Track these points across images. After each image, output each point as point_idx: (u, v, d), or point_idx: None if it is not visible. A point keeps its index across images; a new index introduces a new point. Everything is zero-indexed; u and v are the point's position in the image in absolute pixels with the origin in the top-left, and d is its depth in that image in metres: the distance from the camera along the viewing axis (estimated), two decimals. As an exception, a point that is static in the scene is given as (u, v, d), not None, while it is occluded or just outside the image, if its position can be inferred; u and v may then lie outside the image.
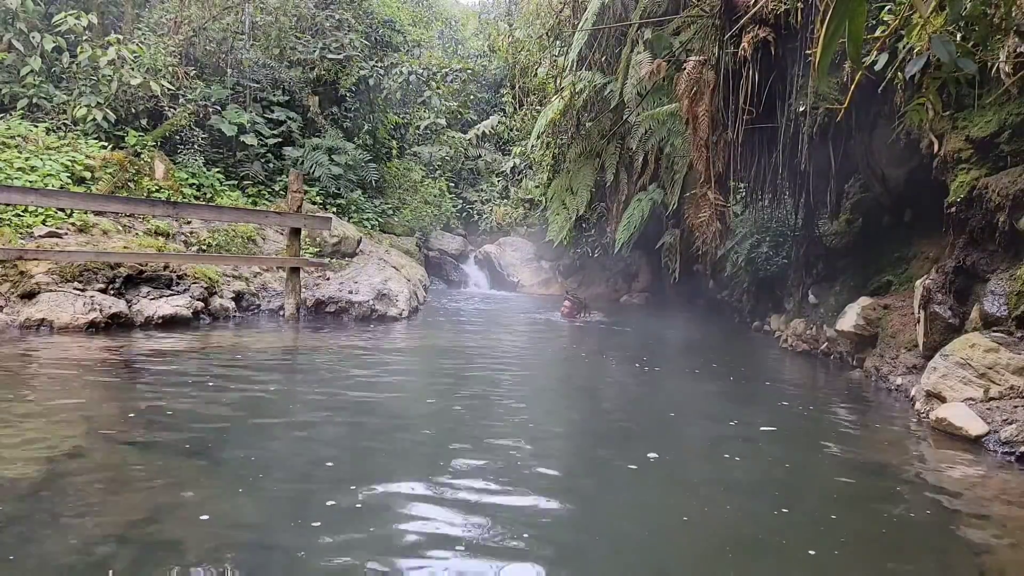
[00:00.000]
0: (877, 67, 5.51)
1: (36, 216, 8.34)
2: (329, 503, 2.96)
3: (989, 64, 5.16)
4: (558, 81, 15.31)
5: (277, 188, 13.42)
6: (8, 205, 8.04)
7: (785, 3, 7.17)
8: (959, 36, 4.81)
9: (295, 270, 9.02)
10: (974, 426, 4.51)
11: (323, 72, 15.49)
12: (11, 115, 9.87)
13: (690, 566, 2.73)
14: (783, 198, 10.38)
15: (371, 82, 15.95)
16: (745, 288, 12.25)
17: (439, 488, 3.23)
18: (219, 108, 12.97)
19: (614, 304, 16.91)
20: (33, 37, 10.37)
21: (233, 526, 2.72)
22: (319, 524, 2.71)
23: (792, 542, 2.93)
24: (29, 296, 7.12)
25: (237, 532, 2.67)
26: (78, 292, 7.30)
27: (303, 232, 9.94)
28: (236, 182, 12.83)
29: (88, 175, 9.43)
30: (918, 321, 6.29)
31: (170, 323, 7.61)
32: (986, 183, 5.58)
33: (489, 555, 2.57)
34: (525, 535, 2.75)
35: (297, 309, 8.90)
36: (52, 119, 10.27)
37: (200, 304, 8.18)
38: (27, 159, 8.89)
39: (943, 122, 6.15)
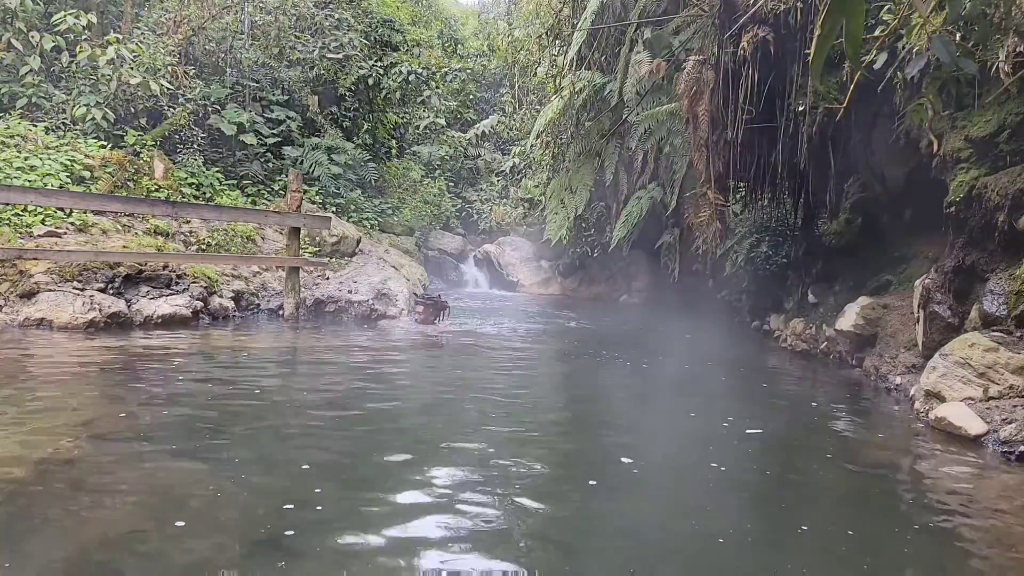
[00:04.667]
0: (876, 66, 5.51)
1: (35, 215, 8.33)
2: (308, 506, 2.94)
3: (989, 64, 5.16)
4: (557, 80, 15.30)
5: (276, 187, 13.41)
6: (7, 204, 8.03)
7: (784, 3, 7.17)
8: (959, 36, 4.82)
9: (294, 269, 9.01)
10: (973, 425, 4.51)
11: (322, 71, 15.47)
12: (10, 114, 9.85)
13: None
14: (782, 197, 10.39)
15: (370, 81, 15.94)
16: (744, 288, 12.25)
17: (421, 491, 3.22)
18: (218, 107, 12.96)
19: (613, 304, 16.92)
20: (32, 36, 10.35)
21: (212, 531, 2.70)
22: (292, 533, 2.68)
23: (792, 547, 2.93)
24: (28, 295, 7.11)
25: (217, 537, 2.65)
26: (77, 291, 7.30)
27: (302, 231, 9.93)
28: (235, 181, 12.81)
29: (87, 174, 9.42)
30: (917, 321, 6.29)
31: (169, 322, 7.60)
32: (985, 183, 5.58)
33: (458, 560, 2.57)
34: (484, 548, 2.70)
35: (296, 309, 8.89)
36: (51, 118, 10.26)
37: (199, 303, 8.18)
38: (26, 158, 8.87)
39: (942, 122, 6.15)
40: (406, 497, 3.15)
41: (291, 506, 2.92)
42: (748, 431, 4.73)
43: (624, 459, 3.87)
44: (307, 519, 2.81)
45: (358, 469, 3.58)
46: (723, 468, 3.87)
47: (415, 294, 10.34)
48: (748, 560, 2.76)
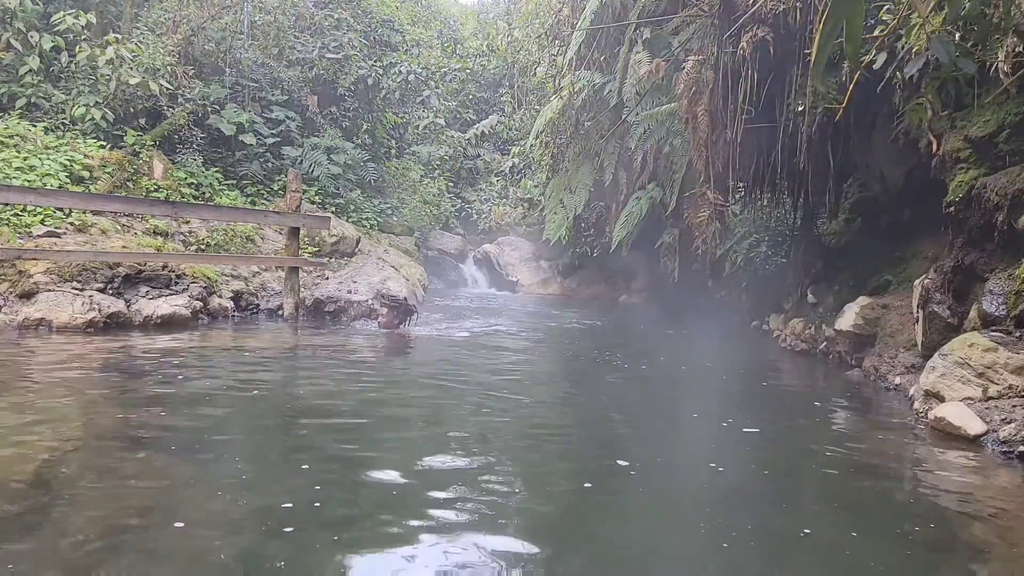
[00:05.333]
0: (876, 67, 5.52)
1: (35, 216, 8.32)
2: (307, 505, 2.94)
3: (988, 64, 5.17)
4: (557, 80, 15.31)
5: (276, 187, 13.41)
6: (6, 205, 8.02)
7: (784, 3, 7.17)
8: (958, 36, 4.82)
9: (294, 269, 9.01)
10: (973, 425, 4.51)
11: (322, 71, 15.47)
12: (9, 114, 9.85)
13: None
14: (782, 197, 10.39)
15: (370, 81, 15.93)
16: (744, 287, 12.25)
17: (416, 491, 3.20)
18: (218, 107, 12.96)
19: (613, 304, 16.92)
20: (31, 36, 10.35)
21: (211, 530, 2.69)
22: (291, 530, 2.68)
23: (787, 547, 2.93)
24: (28, 296, 7.11)
25: (216, 537, 2.64)
26: (77, 292, 7.29)
27: (302, 231, 9.93)
28: (235, 181, 12.81)
29: (87, 174, 9.42)
30: (917, 320, 6.29)
31: (169, 323, 7.60)
32: (984, 183, 5.58)
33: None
34: (478, 549, 2.67)
35: (296, 309, 8.89)
36: (51, 118, 10.26)
37: (199, 304, 8.17)
38: (25, 158, 8.87)
39: (942, 122, 6.15)
40: (402, 496, 3.15)
41: (290, 504, 2.92)
42: (748, 432, 4.73)
43: (620, 461, 3.82)
44: (306, 518, 2.81)
45: (357, 468, 3.57)
46: (723, 469, 3.85)
47: (380, 294, 9.61)
48: (754, 565, 2.74)
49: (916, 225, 8.04)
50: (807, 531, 3.05)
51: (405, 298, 9.21)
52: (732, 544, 2.86)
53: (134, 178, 10.05)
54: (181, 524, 2.68)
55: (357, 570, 2.47)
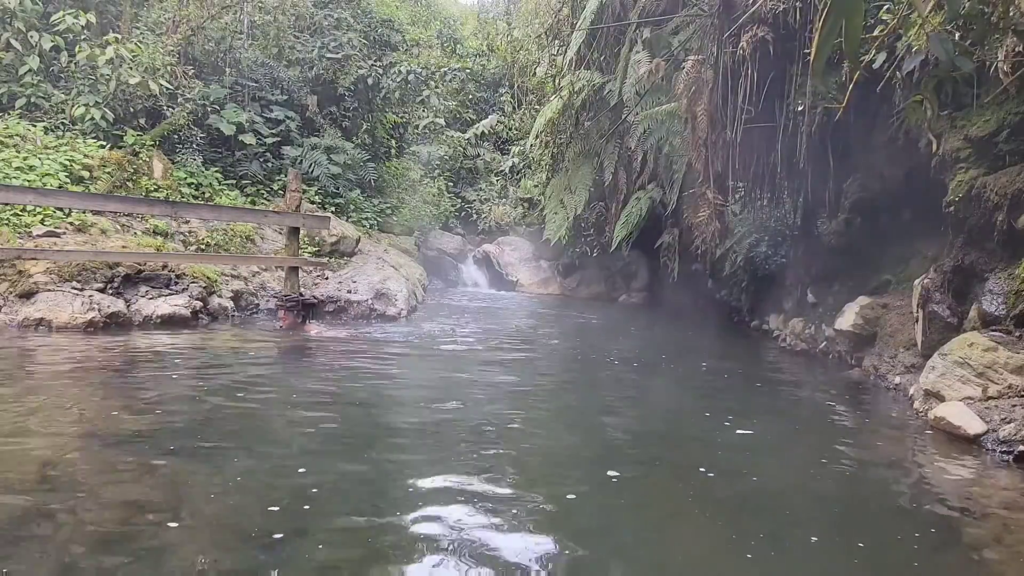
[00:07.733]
0: (876, 66, 5.52)
1: (34, 215, 8.32)
2: (302, 507, 2.94)
3: (987, 63, 5.17)
4: (557, 80, 15.31)
5: (276, 187, 13.40)
6: (6, 204, 8.02)
7: (784, 2, 7.16)
8: (957, 35, 4.82)
9: (294, 269, 9.00)
10: (972, 425, 4.51)
11: (322, 71, 15.46)
12: (9, 114, 9.84)
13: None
14: (782, 197, 10.38)
15: (370, 81, 15.93)
16: (744, 287, 12.24)
17: (407, 495, 3.19)
18: (218, 107, 12.95)
19: (613, 303, 16.91)
20: (31, 36, 10.34)
21: (205, 533, 2.69)
22: (281, 535, 2.68)
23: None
24: (28, 295, 7.11)
25: (209, 539, 2.64)
26: (76, 291, 7.29)
27: (302, 231, 9.93)
28: (235, 181, 12.80)
29: (86, 174, 9.41)
30: (916, 320, 6.29)
31: (168, 322, 7.60)
32: (984, 182, 5.58)
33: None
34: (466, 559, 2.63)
35: (296, 308, 8.88)
36: (50, 118, 10.25)
37: (199, 303, 8.17)
38: (25, 158, 8.87)
39: (941, 121, 6.15)
40: (394, 501, 3.14)
41: (286, 508, 2.92)
42: (748, 433, 4.72)
43: (611, 472, 3.67)
44: (301, 521, 2.81)
45: (353, 472, 3.57)
46: (725, 475, 3.82)
47: (275, 295, 8.91)
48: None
49: (916, 225, 8.03)
50: (815, 538, 3.01)
51: (302, 292, 8.78)
52: (754, 554, 2.82)
53: (134, 178, 10.04)
54: (175, 525, 2.68)
55: (354, 572, 2.46)
